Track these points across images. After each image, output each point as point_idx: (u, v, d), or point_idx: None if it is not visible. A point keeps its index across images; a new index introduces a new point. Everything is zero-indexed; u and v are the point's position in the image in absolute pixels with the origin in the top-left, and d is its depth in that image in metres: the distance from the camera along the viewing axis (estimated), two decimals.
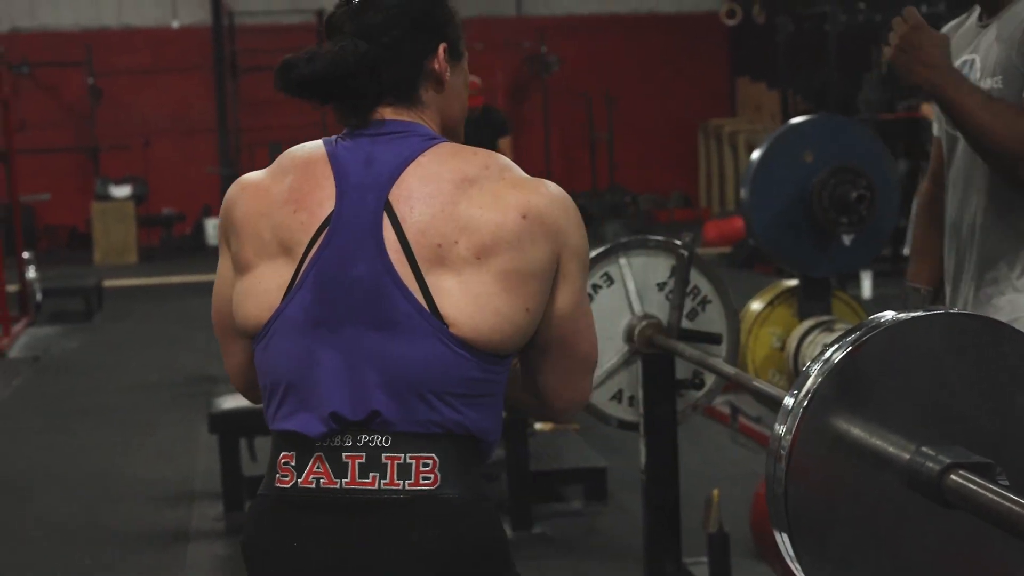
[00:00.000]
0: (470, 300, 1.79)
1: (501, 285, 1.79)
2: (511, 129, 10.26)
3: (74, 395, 8.42)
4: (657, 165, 20.14)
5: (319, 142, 1.93)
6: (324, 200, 1.85)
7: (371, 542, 1.82)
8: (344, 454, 1.82)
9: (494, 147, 10.16)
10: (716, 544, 3.92)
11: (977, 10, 2.89)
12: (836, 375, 1.88)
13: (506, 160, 1.88)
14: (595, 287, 3.40)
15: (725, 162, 19.37)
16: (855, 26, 12.46)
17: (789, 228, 4.10)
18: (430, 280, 1.79)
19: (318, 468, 1.83)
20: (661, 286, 3.41)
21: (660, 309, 3.39)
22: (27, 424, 7.68)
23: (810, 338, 4.07)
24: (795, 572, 1.92)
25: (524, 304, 1.81)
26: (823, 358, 1.90)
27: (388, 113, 1.91)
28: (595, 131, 19.56)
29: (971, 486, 1.70)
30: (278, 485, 1.86)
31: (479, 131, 10.38)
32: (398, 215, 1.81)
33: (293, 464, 1.84)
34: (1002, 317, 2.67)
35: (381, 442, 1.81)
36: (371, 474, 1.81)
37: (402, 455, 1.80)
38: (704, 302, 3.44)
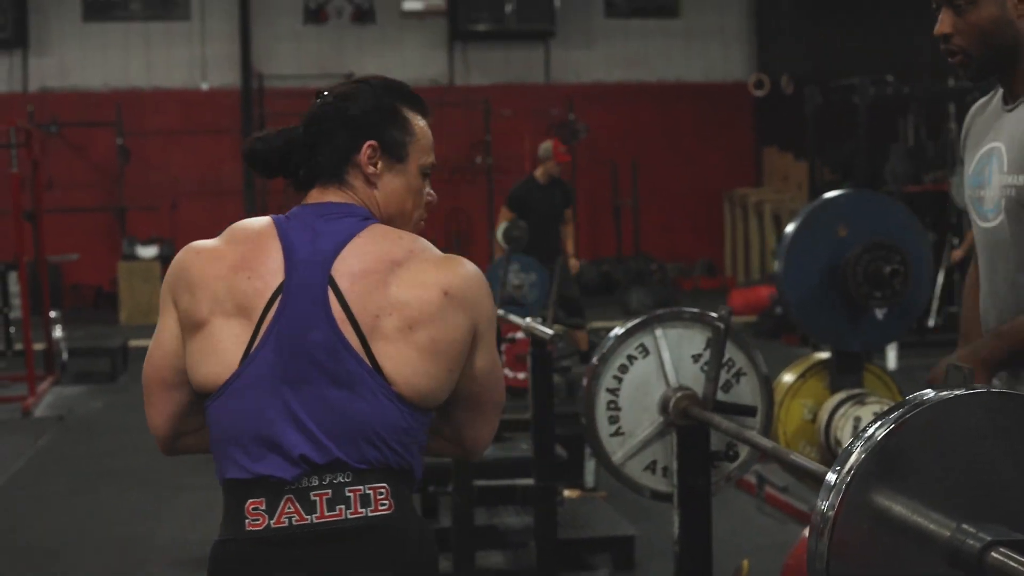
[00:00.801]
0: (405, 364, 2.11)
1: (429, 351, 2.12)
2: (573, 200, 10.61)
3: (99, 456, 8.43)
4: (683, 233, 20.16)
5: (267, 218, 2.23)
6: (275, 270, 2.15)
7: (343, 564, 2.12)
8: (312, 493, 2.11)
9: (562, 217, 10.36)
10: None
11: (1001, 90, 2.85)
12: (878, 452, 1.88)
13: (426, 243, 2.22)
14: (630, 358, 3.40)
15: (751, 231, 19.39)
16: (883, 98, 12.50)
17: (822, 301, 4.10)
18: (373, 346, 2.11)
19: (289, 508, 2.11)
20: (696, 358, 3.40)
21: (695, 381, 3.38)
22: (52, 486, 7.69)
23: (842, 411, 4.06)
24: None
25: (447, 366, 2.15)
26: (865, 435, 1.91)
27: (322, 192, 2.25)
28: (620, 198, 19.61)
29: (1012, 563, 1.70)
30: (249, 528, 2.12)
31: (554, 198, 10.57)
32: (340, 288, 2.13)
33: (263, 508, 2.12)
34: None
35: (344, 479, 2.11)
36: (337, 507, 2.12)
37: (362, 487, 2.12)
38: (739, 374, 3.43)
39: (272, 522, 2.12)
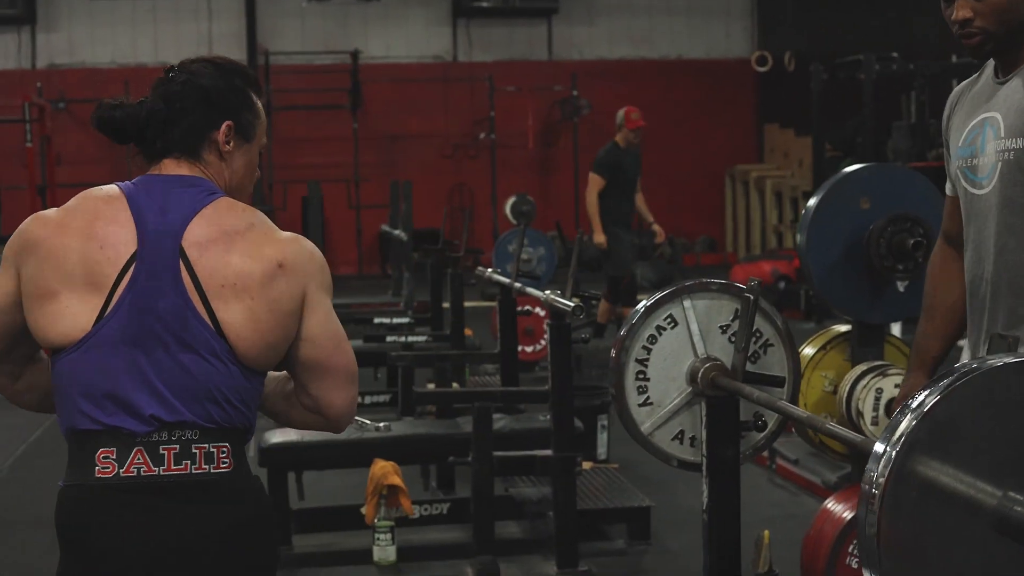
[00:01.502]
0: (245, 328, 2.28)
1: (265, 317, 2.29)
2: None
3: None
4: (684, 209, 20.18)
5: (114, 186, 2.36)
6: (127, 241, 2.29)
7: (186, 514, 2.28)
8: (161, 447, 2.27)
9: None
10: None
11: (991, 66, 2.92)
12: (927, 420, 1.94)
13: (265, 218, 2.38)
14: (659, 329, 3.45)
15: (752, 207, 19.45)
16: (887, 75, 12.52)
17: (844, 273, 4.15)
18: (217, 312, 2.27)
19: (139, 459, 2.27)
20: (724, 328, 3.46)
21: (723, 351, 3.43)
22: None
23: (863, 382, 4.12)
24: None
25: (283, 332, 2.32)
26: (914, 404, 1.96)
27: (174, 164, 2.39)
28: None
29: None
30: (99, 476, 2.28)
31: (637, 163, 10.61)
32: (190, 258, 2.28)
33: (114, 458, 2.27)
34: None
35: (191, 436, 2.28)
36: (184, 461, 2.28)
37: (207, 444, 2.29)
38: (766, 345, 3.49)
39: (122, 471, 2.28)
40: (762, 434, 3.47)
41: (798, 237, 4.21)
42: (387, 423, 5.82)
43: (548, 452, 5.28)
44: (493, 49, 19.97)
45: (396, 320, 9.83)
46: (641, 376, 3.47)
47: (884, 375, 4.11)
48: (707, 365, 3.38)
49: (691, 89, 20.26)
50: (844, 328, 4.39)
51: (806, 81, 13.13)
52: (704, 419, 3.34)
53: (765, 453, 6.61)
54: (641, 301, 3.52)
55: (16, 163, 12.44)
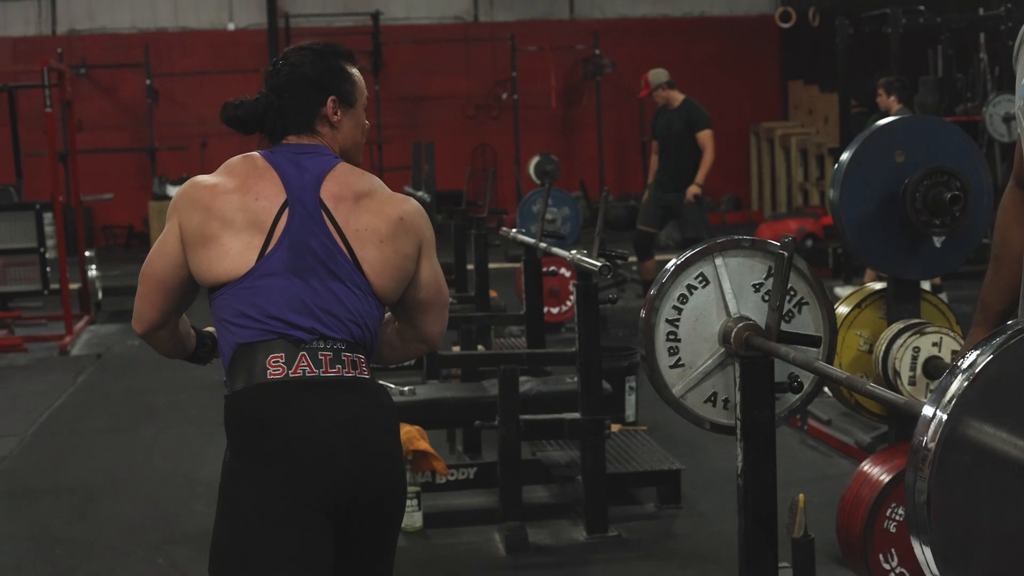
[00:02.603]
0: (378, 268, 2.81)
1: (392, 260, 2.82)
2: (711, 123, 10.43)
3: (139, 394, 8.45)
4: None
5: (256, 153, 2.84)
6: (277, 192, 2.78)
7: (348, 398, 2.76)
8: (319, 353, 2.74)
9: (692, 140, 10.25)
10: (802, 549, 3.87)
11: None
12: (979, 382, 1.84)
13: (381, 182, 2.90)
14: (690, 288, 3.35)
15: (777, 165, 19.28)
16: (913, 28, 12.33)
17: (879, 229, 4.03)
18: (356, 253, 2.79)
19: (303, 362, 2.73)
20: (757, 287, 3.36)
21: (755, 311, 3.33)
22: (92, 423, 7.73)
23: (900, 341, 4.00)
24: None
25: (403, 274, 2.86)
26: (964, 365, 1.86)
27: (296, 139, 2.86)
28: (647, 134, 19.47)
29: None
30: (271, 377, 2.72)
31: (672, 124, 10.50)
32: (328, 207, 2.79)
33: (283, 361, 2.72)
34: None
35: (340, 347, 2.77)
36: (336, 366, 2.76)
37: (351, 354, 2.79)
38: (800, 304, 3.38)
39: (290, 372, 2.73)
40: (797, 396, 3.37)
41: (831, 192, 4.09)
42: (412, 387, 5.79)
43: (576, 415, 5.20)
44: (514, 9, 19.79)
45: None
46: (672, 337, 3.37)
47: (921, 333, 4.00)
48: (740, 325, 3.27)
49: (714, 46, 20.06)
50: (879, 285, 4.28)
51: (830, 37, 12.93)
52: (738, 381, 3.25)
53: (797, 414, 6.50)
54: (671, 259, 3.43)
55: (37, 129, 12.36)
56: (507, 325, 8.24)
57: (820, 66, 17.27)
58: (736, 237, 3.38)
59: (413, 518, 5.30)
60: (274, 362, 2.72)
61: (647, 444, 6.01)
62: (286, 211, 2.76)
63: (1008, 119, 11.26)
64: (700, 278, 3.35)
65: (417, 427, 5.40)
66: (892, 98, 10.41)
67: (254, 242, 2.74)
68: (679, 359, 3.37)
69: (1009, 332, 1.86)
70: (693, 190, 10.29)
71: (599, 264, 4.73)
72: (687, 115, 10.66)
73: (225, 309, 2.78)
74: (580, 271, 5.05)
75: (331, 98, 2.87)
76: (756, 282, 3.34)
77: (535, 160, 9.99)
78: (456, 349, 7.80)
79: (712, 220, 18.74)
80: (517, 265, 10.15)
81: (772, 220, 16.70)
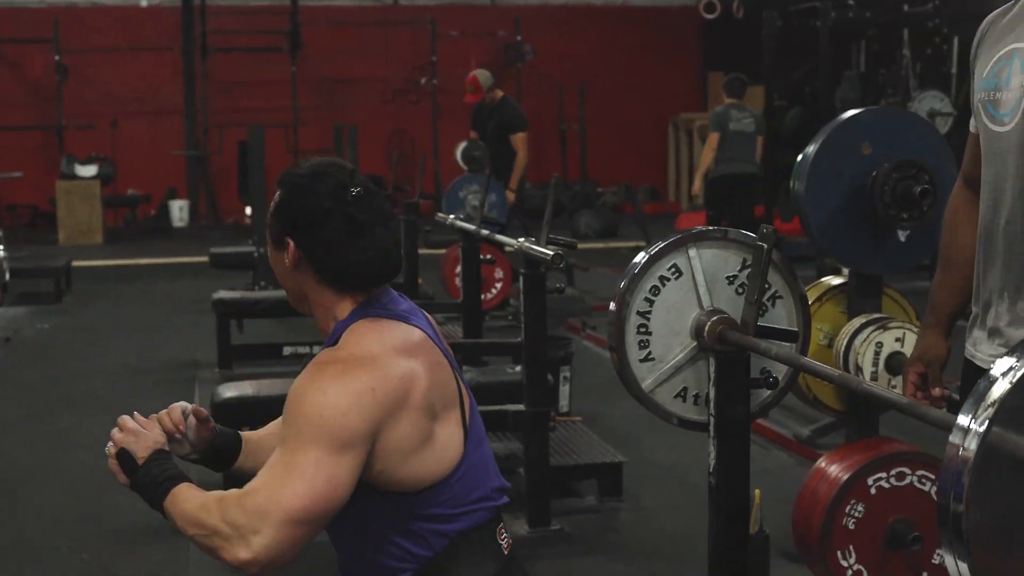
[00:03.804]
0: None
1: None
2: (526, 126, 10.21)
3: (53, 381, 8.17)
4: (627, 157, 20.03)
5: (405, 325, 2.31)
6: (443, 358, 2.34)
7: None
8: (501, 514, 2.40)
9: (506, 142, 10.06)
10: (758, 545, 3.78)
11: None
12: (1020, 390, 1.74)
13: None
14: (662, 279, 3.24)
15: (695, 156, 19.28)
16: (841, 23, 12.37)
17: (845, 223, 3.93)
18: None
19: (504, 528, 2.39)
20: (731, 280, 3.25)
21: (729, 304, 3.23)
22: (4, 412, 7.43)
23: (863, 335, 3.92)
24: None
25: None
26: (1005, 371, 1.76)
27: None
28: (566, 121, 19.41)
29: None
30: (506, 552, 2.37)
31: (489, 121, 10.31)
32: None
33: (505, 531, 2.38)
34: None
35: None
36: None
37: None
38: (775, 297, 3.28)
39: (507, 541, 2.41)
40: (771, 391, 3.28)
41: (795, 184, 4.00)
42: None
43: (520, 407, 5.07)
44: None
45: None
46: (643, 330, 3.25)
47: (885, 328, 3.92)
48: (714, 319, 3.17)
49: (635, 36, 20.04)
50: (837, 280, 4.21)
51: (753, 29, 12.95)
52: (712, 376, 3.14)
53: None
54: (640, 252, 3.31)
55: None
56: (436, 314, 8.09)
57: (743, 58, 17.27)
58: (710, 227, 3.28)
59: None
60: (502, 535, 2.39)
61: (586, 436, 5.91)
62: (456, 375, 2.37)
63: (933, 115, 11.32)
64: (673, 269, 3.24)
65: None
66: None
67: (458, 420, 2.32)
68: (649, 353, 3.26)
69: None
70: (510, 198, 10.12)
71: (551, 253, 4.60)
72: (504, 115, 10.46)
73: (451, 498, 2.29)
74: (528, 260, 4.92)
75: None
76: (730, 274, 3.23)
77: (462, 145, 9.86)
78: None
79: (629, 210, 18.77)
80: (439, 251, 10.01)
81: (690, 211, 16.70)
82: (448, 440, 2.27)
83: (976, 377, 2.69)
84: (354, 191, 2.30)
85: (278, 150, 18.13)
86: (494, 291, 9.47)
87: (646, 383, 3.27)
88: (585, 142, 19.06)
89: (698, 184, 11.73)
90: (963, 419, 1.76)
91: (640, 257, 3.26)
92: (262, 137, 10.50)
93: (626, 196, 18.08)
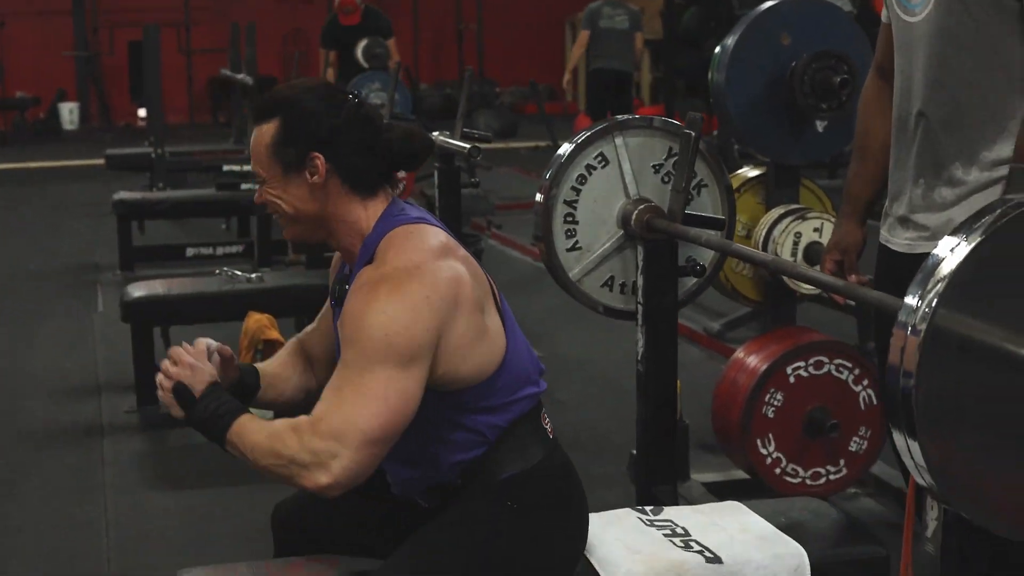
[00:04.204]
0: None
1: None
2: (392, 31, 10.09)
3: None
4: (523, 58, 19.93)
5: (430, 227, 2.29)
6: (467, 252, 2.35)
7: None
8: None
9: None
10: (679, 435, 3.84)
11: None
12: (970, 265, 1.74)
13: None
14: (589, 168, 3.23)
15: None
16: None
17: (764, 113, 3.94)
18: None
19: (547, 416, 2.41)
20: (657, 168, 3.25)
21: (655, 192, 3.24)
22: None
23: (781, 226, 3.95)
24: (922, 481, 1.81)
25: None
26: (950, 249, 1.76)
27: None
28: (464, 21, 19.22)
29: None
30: (551, 435, 2.38)
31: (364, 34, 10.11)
32: None
33: (547, 418, 2.40)
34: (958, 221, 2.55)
35: None
36: None
37: None
38: (700, 186, 3.29)
39: (550, 426, 2.42)
40: (698, 279, 3.30)
41: (714, 75, 4.00)
42: (260, 274, 5.57)
43: None
44: None
45: (246, 167, 9.38)
46: (570, 219, 3.25)
47: (803, 219, 3.95)
48: (641, 207, 3.17)
49: None
50: (754, 172, 4.23)
51: None
52: (640, 264, 3.15)
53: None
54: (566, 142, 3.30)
55: None
56: None
57: None
58: (638, 116, 3.27)
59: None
60: (546, 422, 2.40)
61: None
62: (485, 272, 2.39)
63: None
64: (600, 158, 3.23)
65: (268, 315, 5.19)
66: None
67: (494, 309, 2.33)
68: (576, 242, 3.26)
69: (997, 213, 1.77)
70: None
71: (467, 146, 4.56)
72: (375, 22, 10.32)
73: (504, 387, 2.32)
74: (443, 154, 4.88)
75: None
76: (656, 163, 3.24)
77: (363, 43, 9.71)
78: None
79: (528, 110, 18.69)
80: None
81: (588, 111, 16.67)
82: (496, 329, 2.30)
83: (891, 262, 2.74)
84: (351, 95, 2.33)
85: (170, 50, 17.74)
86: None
87: (573, 272, 3.27)
88: (482, 42, 18.90)
89: (567, 78, 11.90)
90: (910, 299, 1.77)
91: (566, 147, 3.25)
92: (158, 37, 10.25)
93: (531, 93, 17.97)
